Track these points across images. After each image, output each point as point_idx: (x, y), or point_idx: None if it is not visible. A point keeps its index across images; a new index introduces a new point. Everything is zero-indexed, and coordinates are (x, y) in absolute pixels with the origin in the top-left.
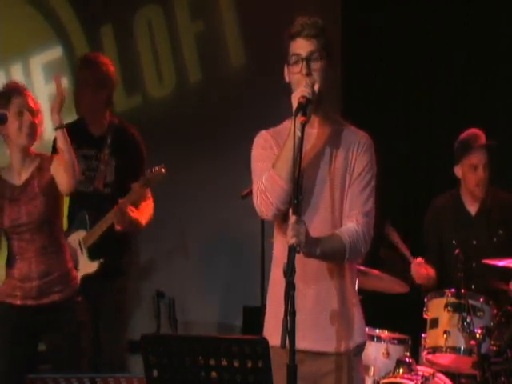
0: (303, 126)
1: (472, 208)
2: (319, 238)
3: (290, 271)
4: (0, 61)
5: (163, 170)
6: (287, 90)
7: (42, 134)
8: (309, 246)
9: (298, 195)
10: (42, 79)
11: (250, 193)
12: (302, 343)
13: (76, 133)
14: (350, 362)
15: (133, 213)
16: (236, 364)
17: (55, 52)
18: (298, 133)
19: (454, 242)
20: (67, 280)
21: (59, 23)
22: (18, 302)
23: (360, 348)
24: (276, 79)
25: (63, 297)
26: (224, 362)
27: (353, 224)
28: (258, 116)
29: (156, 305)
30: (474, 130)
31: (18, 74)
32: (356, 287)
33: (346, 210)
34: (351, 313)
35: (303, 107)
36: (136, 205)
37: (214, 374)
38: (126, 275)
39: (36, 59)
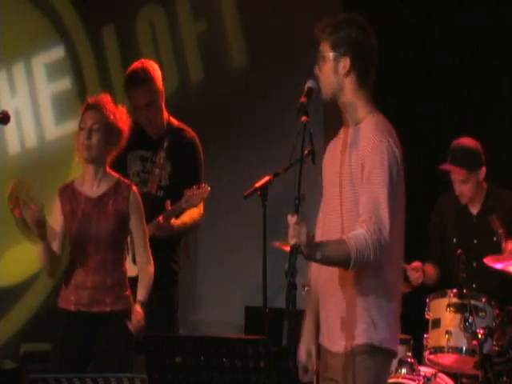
0: (305, 125)
1: (473, 208)
2: (323, 242)
3: (290, 272)
4: (2, 61)
5: (208, 188)
6: None
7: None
8: (309, 248)
9: (299, 195)
10: (44, 79)
11: (253, 193)
12: (321, 339)
13: (133, 134)
14: (353, 362)
15: (174, 221)
16: (238, 364)
17: (57, 52)
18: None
19: (454, 240)
20: (119, 295)
21: (61, 23)
22: (72, 308)
23: (362, 348)
24: (277, 79)
25: (113, 309)
26: (226, 363)
27: (362, 230)
28: (260, 116)
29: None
30: (460, 144)
31: (20, 74)
32: (377, 290)
33: (359, 214)
34: (360, 315)
35: (304, 107)
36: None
37: (216, 374)
38: (175, 283)
39: (38, 59)
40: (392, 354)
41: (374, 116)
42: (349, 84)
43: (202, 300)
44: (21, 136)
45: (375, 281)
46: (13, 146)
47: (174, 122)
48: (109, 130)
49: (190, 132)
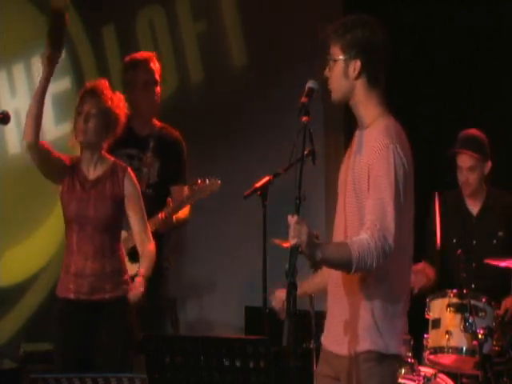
0: (305, 125)
1: (474, 208)
2: (324, 243)
3: (291, 272)
4: (2, 61)
5: (219, 182)
6: None
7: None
8: (310, 248)
9: (300, 195)
10: None
11: (253, 193)
12: (324, 340)
13: (121, 131)
14: (358, 366)
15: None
16: (238, 364)
17: None
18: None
19: (454, 240)
20: (118, 281)
21: None
22: (72, 297)
23: (368, 355)
24: (277, 79)
25: (112, 296)
26: (226, 362)
27: (366, 236)
28: (260, 116)
29: (158, 305)
30: (470, 132)
31: (20, 74)
32: (384, 295)
33: (364, 219)
34: (364, 321)
35: (305, 107)
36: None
37: (216, 374)
38: (165, 278)
39: (38, 59)
40: (399, 357)
41: (384, 119)
42: (360, 86)
43: (202, 300)
44: (21, 136)
45: (382, 286)
46: (13, 145)
47: (157, 122)
48: (106, 115)
49: (174, 130)
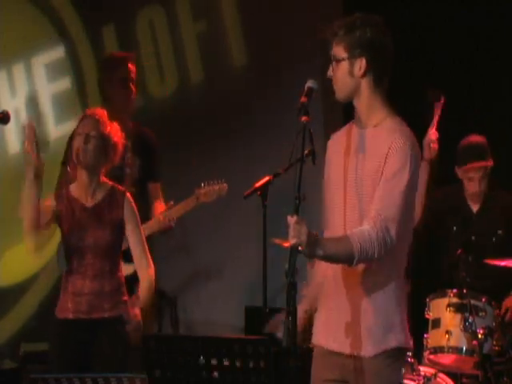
0: (305, 125)
1: (474, 205)
2: (324, 239)
3: (290, 272)
4: (2, 61)
5: (225, 185)
6: None
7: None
8: (310, 247)
9: (300, 195)
10: (44, 79)
11: (253, 193)
12: (322, 341)
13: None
14: (371, 366)
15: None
16: (238, 364)
17: (57, 52)
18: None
19: (454, 228)
20: (118, 301)
21: (61, 23)
22: (71, 316)
23: (388, 352)
24: (277, 79)
25: (111, 315)
26: (226, 362)
27: (368, 227)
28: (260, 116)
29: (157, 304)
30: (471, 141)
31: (20, 74)
32: (394, 297)
33: (369, 210)
34: (373, 320)
35: (305, 107)
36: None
37: (215, 374)
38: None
39: (38, 59)
40: (408, 350)
41: (393, 121)
42: (365, 85)
43: (202, 300)
44: (21, 136)
45: (392, 281)
46: (13, 146)
47: (131, 124)
48: (105, 140)
49: (148, 130)
